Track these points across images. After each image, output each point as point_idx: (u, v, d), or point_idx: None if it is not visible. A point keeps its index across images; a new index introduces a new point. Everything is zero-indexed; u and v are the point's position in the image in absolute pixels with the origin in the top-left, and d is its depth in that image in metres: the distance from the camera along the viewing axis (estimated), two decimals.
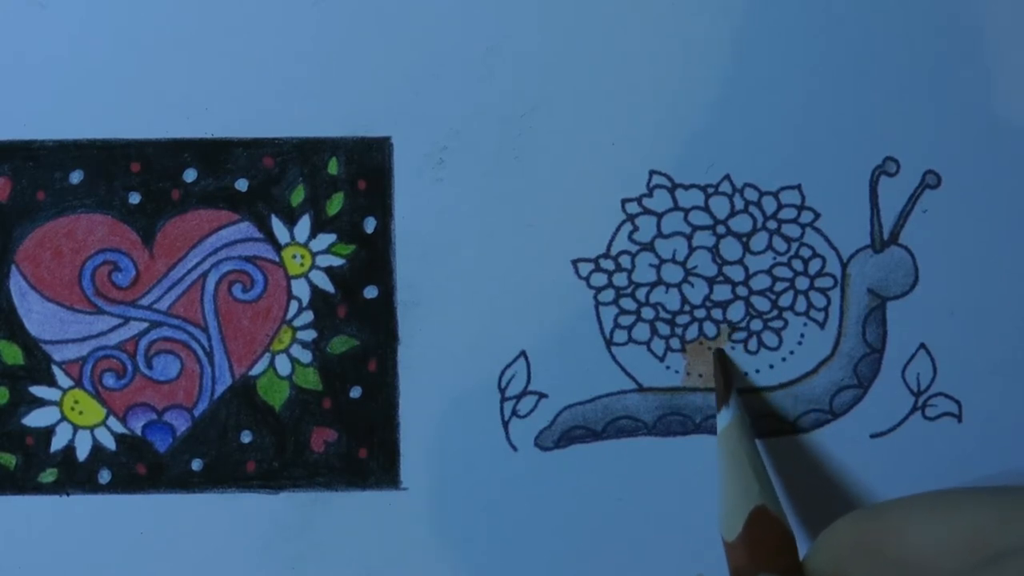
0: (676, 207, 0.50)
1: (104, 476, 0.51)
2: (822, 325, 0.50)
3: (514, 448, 0.50)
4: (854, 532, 0.44)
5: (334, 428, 0.50)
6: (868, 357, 0.50)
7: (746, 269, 0.50)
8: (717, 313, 0.50)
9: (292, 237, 0.50)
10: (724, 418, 0.48)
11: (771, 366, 0.50)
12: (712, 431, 0.50)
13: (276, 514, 0.51)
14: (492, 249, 0.50)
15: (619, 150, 0.50)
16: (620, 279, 0.50)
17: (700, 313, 0.50)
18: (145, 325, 0.50)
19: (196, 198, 0.50)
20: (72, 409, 0.50)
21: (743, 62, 0.50)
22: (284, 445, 0.51)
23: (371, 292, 0.50)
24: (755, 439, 0.49)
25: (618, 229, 0.50)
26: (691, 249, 0.50)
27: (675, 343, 0.50)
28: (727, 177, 0.50)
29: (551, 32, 0.50)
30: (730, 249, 0.50)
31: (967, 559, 0.40)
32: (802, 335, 0.50)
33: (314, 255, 0.50)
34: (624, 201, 0.50)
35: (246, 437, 0.51)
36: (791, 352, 0.50)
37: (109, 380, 0.50)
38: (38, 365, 0.50)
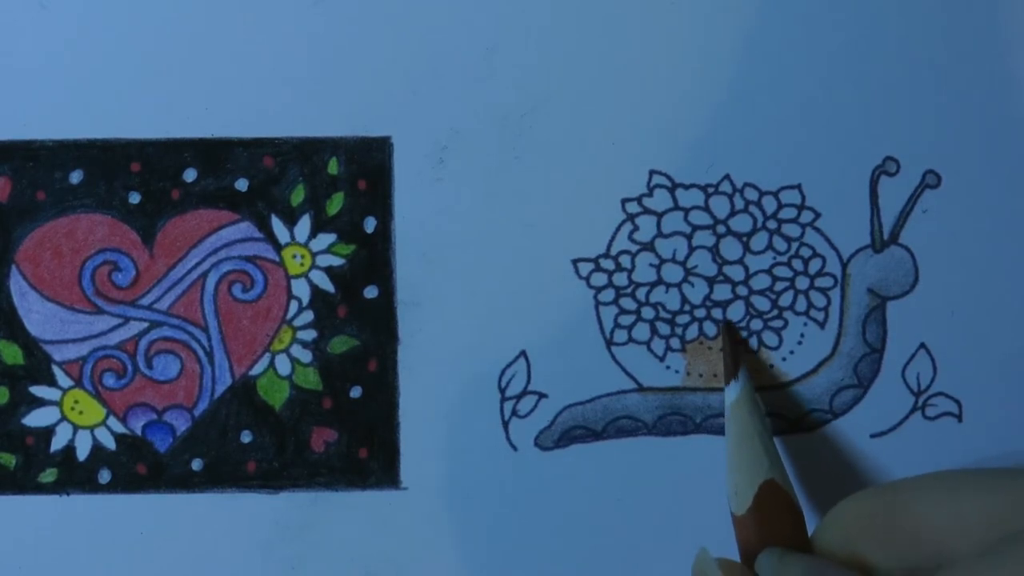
0: (676, 207, 0.50)
1: (104, 476, 0.51)
2: (822, 325, 0.50)
3: (514, 448, 0.50)
4: (864, 508, 0.44)
5: (334, 428, 0.50)
6: (868, 357, 0.50)
7: (746, 269, 0.50)
8: (717, 313, 0.50)
9: (292, 237, 0.50)
10: (732, 392, 0.48)
11: (771, 365, 0.50)
12: (713, 431, 0.50)
13: (276, 514, 0.51)
14: (492, 249, 0.50)
15: (619, 150, 0.50)
16: (620, 279, 0.50)
17: (700, 313, 0.50)
18: (145, 325, 0.50)
19: (196, 198, 0.50)
20: (72, 409, 0.50)
21: (743, 62, 0.50)
22: (284, 445, 0.51)
23: (371, 292, 0.50)
24: (764, 413, 0.49)
25: (618, 229, 0.50)
26: (691, 249, 0.50)
27: (675, 343, 0.50)
28: (727, 177, 0.50)
29: (551, 32, 0.50)
30: (730, 249, 0.50)
31: (983, 538, 0.40)
32: (802, 335, 0.50)
33: (314, 255, 0.50)
34: (624, 201, 0.50)
35: (246, 437, 0.51)
36: (791, 352, 0.50)
37: (109, 380, 0.50)
38: (38, 365, 0.50)
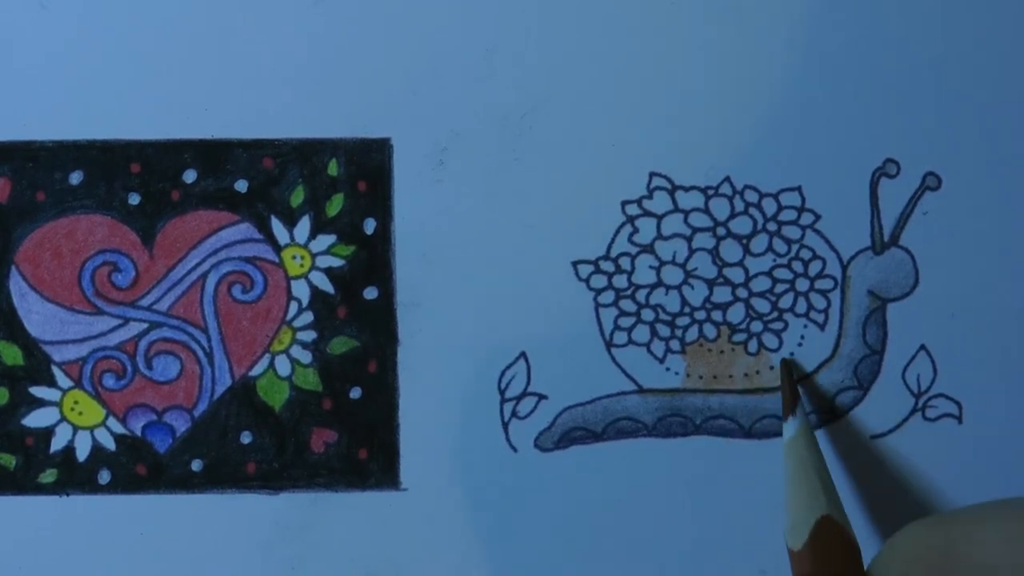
0: (676, 209, 0.50)
1: (104, 476, 0.51)
2: (822, 327, 0.50)
3: (514, 449, 0.50)
4: (921, 541, 0.43)
5: (334, 429, 0.50)
6: (868, 358, 0.50)
7: (746, 271, 0.50)
8: (717, 315, 0.50)
9: (292, 238, 0.50)
10: (791, 428, 0.48)
11: (771, 367, 0.50)
12: (712, 433, 0.50)
13: (276, 515, 0.51)
14: (492, 249, 0.50)
15: (619, 151, 0.50)
16: (620, 281, 0.50)
17: (700, 315, 0.50)
18: (145, 326, 0.50)
19: (196, 199, 0.50)
20: (72, 410, 0.50)
21: (743, 63, 0.50)
22: (284, 446, 0.51)
23: (371, 293, 0.50)
24: (820, 450, 0.49)
25: (618, 231, 0.50)
26: (691, 251, 0.50)
27: (675, 345, 0.50)
28: (727, 179, 0.50)
29: (551, 32, 0.50)
30: (730, 251, 0.50)
31: None
32: (802, 337, 0.50)
33: (314, 256, 0.50)
34: (624, 203, 0.50)
35: (246, 438, 0.51)
36: (791, 354, 0.50)
37: (109, 381, 0.50)
38: (38, 366, 0.50)
